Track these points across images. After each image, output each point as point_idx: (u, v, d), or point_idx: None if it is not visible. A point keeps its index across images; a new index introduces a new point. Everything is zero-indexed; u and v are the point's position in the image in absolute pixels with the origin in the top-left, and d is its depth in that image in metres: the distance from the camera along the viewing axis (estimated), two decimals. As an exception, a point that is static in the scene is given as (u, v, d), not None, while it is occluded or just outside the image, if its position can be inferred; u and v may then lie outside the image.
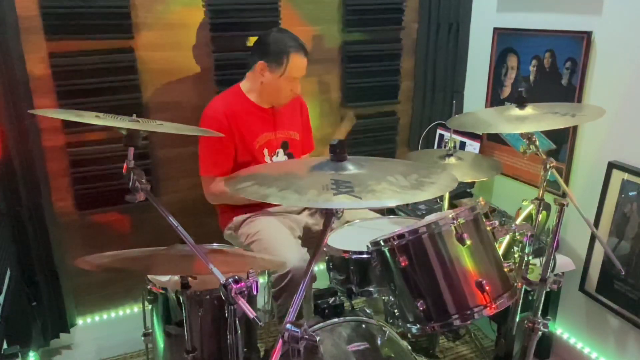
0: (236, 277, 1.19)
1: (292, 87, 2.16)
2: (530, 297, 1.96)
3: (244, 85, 2.22)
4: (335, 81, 2.75)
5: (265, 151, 2.23)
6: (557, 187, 2.27)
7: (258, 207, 2.20)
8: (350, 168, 1.23)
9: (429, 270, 1.41)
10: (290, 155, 2.31)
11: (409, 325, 1.48)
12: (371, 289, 1.69)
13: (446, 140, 2.18)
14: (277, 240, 2.06)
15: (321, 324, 1.59)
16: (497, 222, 1.51)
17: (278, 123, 2.26)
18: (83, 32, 2.19)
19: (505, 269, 1.50)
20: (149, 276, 1.75)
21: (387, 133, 2.93)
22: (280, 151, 2.28)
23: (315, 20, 2.61)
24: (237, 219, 2.22)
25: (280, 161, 2.25)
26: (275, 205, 2.15)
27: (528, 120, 1.74)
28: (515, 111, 1.78)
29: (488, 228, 1.49)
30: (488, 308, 1.40)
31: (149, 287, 1.72)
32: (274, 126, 2.25)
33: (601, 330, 2.22)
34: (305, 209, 2.30)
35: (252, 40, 2.32)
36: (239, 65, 2.33)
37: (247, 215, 2.21)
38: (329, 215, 1.14)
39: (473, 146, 2.72)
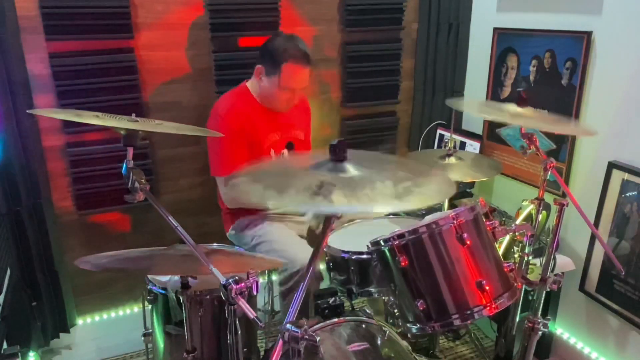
0: (236, 277, 1.19)
1: (288, 97, 2.10)
2: (530, 297, 1.95)
3: (250, 84, 2.19)
4: (335, 81, 2.75)
5: (272, 152, 2.20)
6: (557, 187, 2.27)
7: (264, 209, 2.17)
8: (350, 169, 1.22)
9: (429, 270, 1.41)
10: None
11: (409, 325, 1.48)
12: (371, 289, 1.69)
13: (446, 140, 2.18)
14: (285, 241, 2.05)
15: (321, 324, 1.58)
16: (497, 222, 1.51)
17: (284, 123, 2.23)
18: (83, 32, 2.18)
19: (505, 269, 1.50)
20: (149, 276, 1.75)
21: (387, 133, 2.93)
22: (286, 152, 2.25)
23: (315, 20, 2.60)
24: (242, 220, 2.20)
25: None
26: None
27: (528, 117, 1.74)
28: (515, 108, 1.78)
29: (488, 228, 1.49)
30: (488, 308, 1.40)
31: (149, 287, 1.72)
32: (279, 126, 2.22)
33: (601, 330, 2.22)
34: None
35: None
36: (239, 65, 2.33)
37: (253, 217, 2.18)
38: (329, 216, 1.13)
39: (473, 146, 2.72)
